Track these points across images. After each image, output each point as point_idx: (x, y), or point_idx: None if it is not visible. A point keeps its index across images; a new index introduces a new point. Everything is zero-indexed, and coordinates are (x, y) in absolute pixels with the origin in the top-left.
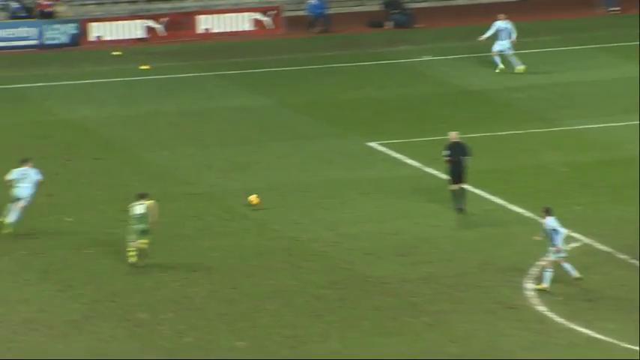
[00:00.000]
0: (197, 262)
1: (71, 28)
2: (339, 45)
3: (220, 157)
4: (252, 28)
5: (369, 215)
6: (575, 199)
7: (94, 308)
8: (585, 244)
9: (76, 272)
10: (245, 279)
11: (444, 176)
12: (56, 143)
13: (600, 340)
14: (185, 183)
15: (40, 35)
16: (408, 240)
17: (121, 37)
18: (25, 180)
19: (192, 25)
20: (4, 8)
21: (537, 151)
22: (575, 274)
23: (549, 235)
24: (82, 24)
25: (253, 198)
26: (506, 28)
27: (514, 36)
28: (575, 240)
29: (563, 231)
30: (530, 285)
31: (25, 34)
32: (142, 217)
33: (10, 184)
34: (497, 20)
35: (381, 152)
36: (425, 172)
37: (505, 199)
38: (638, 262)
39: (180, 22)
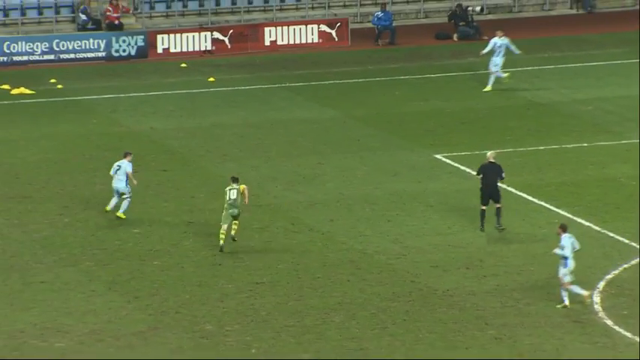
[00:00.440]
0: (263, 274)
1: (139, 40)
2: (405, 57)
3: (285, 169)
4: (318, 41)
5: (434, 228)
6: None
7: (160, 319)
8: None
9: (142, 283)
10: (311, 291)
11: (511, 189)
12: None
13: None
14: (251, 195)
15: (108, 47)
16: (473, 253)
17: (188, 50)
18: (119, 172)
19: (258, 38)
20: (73, 20)
21: (604, 164)
22: (566, 301)
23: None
24: (150, 36)
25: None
26: (502, 45)
27: (516, 51)
28: None
29: (564, 252)
30: (596, 299)
31: (93, 46)
32: (234, 202)
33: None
34: (494, 37)
35: (447, 164)
36: None
37: (572, 212)
38: None
39: (247, 35)
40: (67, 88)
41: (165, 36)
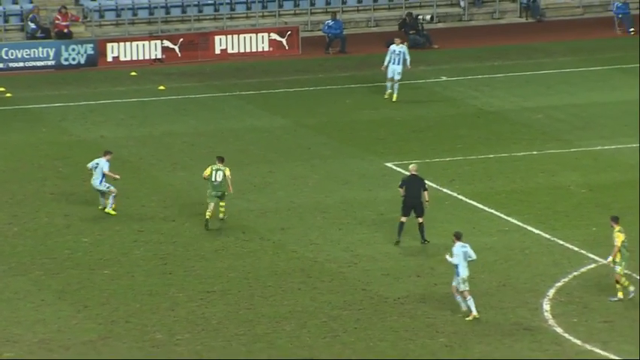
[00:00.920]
0: (214, 282)
1: (88, 49)
2: (356, 66)
3: (236, 177)
4: (268, 49)
5: (385, 236)
6: (592, 220)
7: (110, 329)
8: (602, 266)
9: (92, 293)
10: (262, 300)
11: (461, 197)
12: (73, 163)
13: None
14: (201, 203)
15: (57, 56)
16: (424, 261)
17: (138, 58)
18: (96, 170)
19: (209, 46)
20: (22, 29)
21: (554, 172)
22: (464, 307)
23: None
24: (99, 44)
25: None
26: (400, 53)
27: (408, 62)
28: (593, 261)
29: (453, 260)
30: (546, 306)
31: (43, 54)
32: (220, 185)
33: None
34: (392, 44)
35: (398, 173)
36: (443, 192)
37: (522, 220)
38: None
39: (197, 43)
40: (16, 96)
41: (115, 44)
